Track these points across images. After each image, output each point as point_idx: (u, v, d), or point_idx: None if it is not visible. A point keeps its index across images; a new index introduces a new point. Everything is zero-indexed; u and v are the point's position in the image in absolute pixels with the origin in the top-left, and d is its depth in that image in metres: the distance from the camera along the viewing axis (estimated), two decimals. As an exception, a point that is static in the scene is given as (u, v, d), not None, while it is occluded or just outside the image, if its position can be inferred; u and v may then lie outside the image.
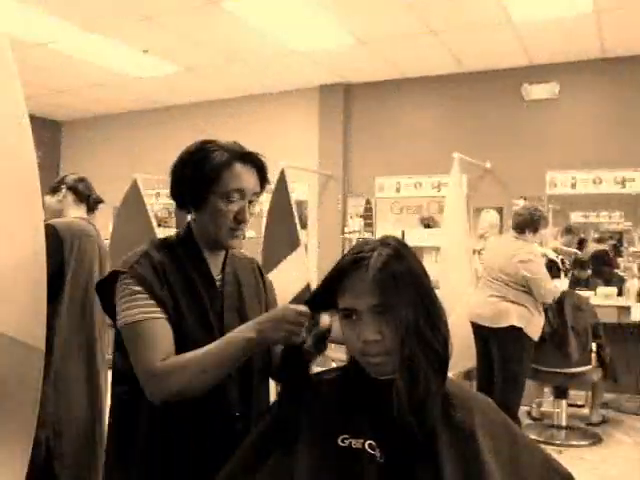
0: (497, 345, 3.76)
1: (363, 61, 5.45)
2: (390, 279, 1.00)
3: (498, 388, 3.75)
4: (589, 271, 5.06)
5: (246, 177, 1.32)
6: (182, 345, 1.23)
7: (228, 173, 1.29)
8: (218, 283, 1.38)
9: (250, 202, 1.34)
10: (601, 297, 4.79)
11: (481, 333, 3.83)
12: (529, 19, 4.43)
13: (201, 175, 1.29)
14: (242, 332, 1.18)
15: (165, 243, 1.37)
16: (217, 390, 1.21)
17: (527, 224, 3.79)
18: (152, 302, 1.24)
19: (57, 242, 2.16)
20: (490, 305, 3.78)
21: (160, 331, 1.23)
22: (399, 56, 5.34)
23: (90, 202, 2.52)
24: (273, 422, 1.13)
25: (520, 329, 3.65)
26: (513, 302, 3.70)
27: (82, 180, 2.55)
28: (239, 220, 1.32)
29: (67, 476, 2.11)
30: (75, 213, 2.45)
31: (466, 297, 4.88)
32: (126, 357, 1.25)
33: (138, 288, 1.24)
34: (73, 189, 2.49)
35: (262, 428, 1.14)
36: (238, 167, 1.31)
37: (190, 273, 1.32)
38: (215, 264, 1.39)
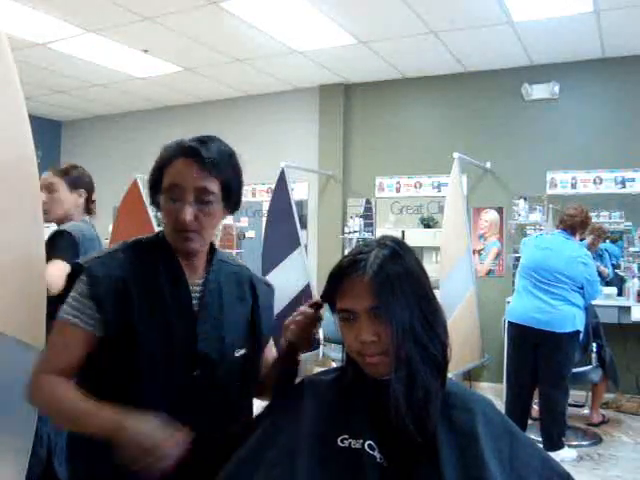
0: (554, 349, 3.66)
1: (363, 61, 5.45)
2: (386, 281, 1.00)
3: (548, 391, 3.71)
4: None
5: (187, 172, 1.20)
6: (139, 356, 1.18)
7: (170, 169, 1.22)
8: (198, 289, 1.28)
9: (202, 202, 1.21)
10: (601, 297, 4.79)
11: (533, 337, 3.72)
12: (529, 19, 4.43)
13: (152, 173, 1.26)
14: (111, 422, 1.09)
15: (140, 244, 1.29)
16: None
17: (581, 225, 3.77)
18: (89, 312, 1.18)
19: (73, 245, 2.18)
20: (551, 308, 3.67)
21: (73, 343, 1.18)
22: (399, 56, 5.34)
23: (91, 206, 2.55)
24: (272, 423, 1.13)
25: (580, 332, 3.68)
26: (574, 304, 3.66)
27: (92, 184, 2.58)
28: (179, 220, 1.19)
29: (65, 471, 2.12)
30: (80, 215, 2.46)
31: (467, 297, 4.88)
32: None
33: (85, 289, 1.18)
34: (88, 192, 2.49)
35: (262, 428, 1.14)
36: (180, 162, 1.21)
37: (159, 279, 1.23)
38: (193, 270, 1.28)
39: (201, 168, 1.19)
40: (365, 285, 1.00)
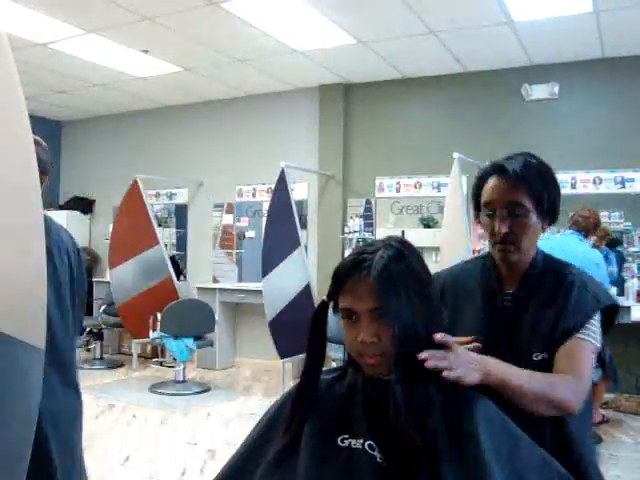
0: None
1: (363, 61, 5.45)
2: (390, 284, 1.00)
3: None
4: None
5: (498, 190, 1.32)
6: None
7: (485, 187, 1.36)
8: (509, 297, 1.36)
9: (513, 215, 1.30)
10: (601, 297, 4.78)
11: None
12: (529, 19, 4.43)
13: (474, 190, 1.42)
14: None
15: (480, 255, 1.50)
16: None
17: (593, 227, 3.79)
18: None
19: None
20: None
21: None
22: (399, 56, 5.34)
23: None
24: (274, 421, 1.13)
25: None
26: None
27: None
28: (493, 234, 1.34)
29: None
30: None
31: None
32: None
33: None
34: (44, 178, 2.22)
35: (263, 426, 1.14)
36: (492, 181, 1.34)
37: (478, 286, 1.41)
38: (513, 279, 1.38)
39: (512, 184, 1.31)
40: (368, 286, 1.00)
